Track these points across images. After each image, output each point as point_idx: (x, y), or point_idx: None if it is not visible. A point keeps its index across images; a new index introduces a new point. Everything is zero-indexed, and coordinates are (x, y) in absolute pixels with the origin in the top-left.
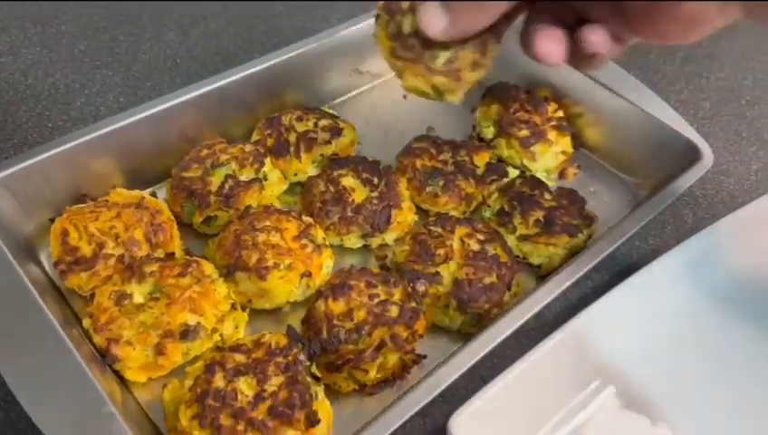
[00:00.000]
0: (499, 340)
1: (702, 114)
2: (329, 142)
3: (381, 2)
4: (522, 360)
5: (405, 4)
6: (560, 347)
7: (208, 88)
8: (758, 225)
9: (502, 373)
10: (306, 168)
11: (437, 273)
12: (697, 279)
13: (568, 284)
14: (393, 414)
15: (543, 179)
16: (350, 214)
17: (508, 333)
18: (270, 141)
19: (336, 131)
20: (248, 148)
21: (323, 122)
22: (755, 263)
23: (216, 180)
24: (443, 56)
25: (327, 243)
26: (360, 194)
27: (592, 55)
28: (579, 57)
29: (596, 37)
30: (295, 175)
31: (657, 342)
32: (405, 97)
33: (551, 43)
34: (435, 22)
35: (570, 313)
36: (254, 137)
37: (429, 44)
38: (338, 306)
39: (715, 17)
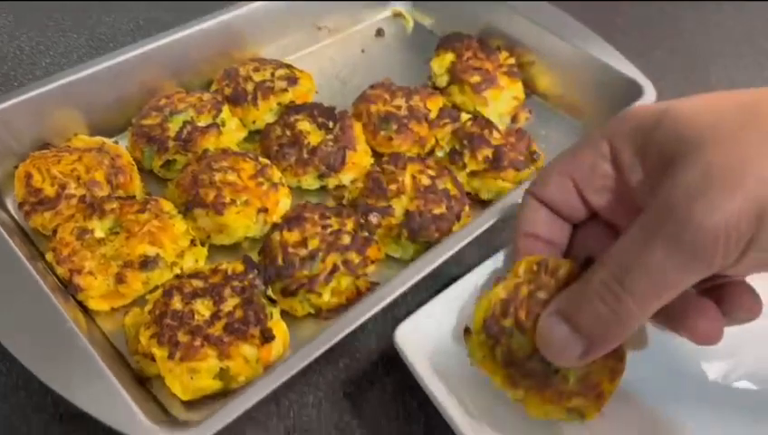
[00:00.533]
0: (440, 260)
1: (654, 62)
2: (285, 90)
3: (476, 331)
4: (463, 278)
5: (508, 322)
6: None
7: (166, 40)
8: None
9: (445, 290)
10: (264, 115)
11: (390, 206)
12: None
13: (508, 207)
14: (339, 326)
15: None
16: (305, 156)
17: (450, 253)
18: (228, 90)
19: (292, 80)
20: (206, 96)
21: (280, 72)
22: None
23: (174, 127)
24: (573, 374)
25: (283, 182)
26: (315, 137)
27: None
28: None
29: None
30: (254, 123)
31: None
32: (363, 51)
33: (708, 322)
34: (568, 353)
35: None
36: (213, 87)
37: (548, 364)
38: (293, 236)
39: None
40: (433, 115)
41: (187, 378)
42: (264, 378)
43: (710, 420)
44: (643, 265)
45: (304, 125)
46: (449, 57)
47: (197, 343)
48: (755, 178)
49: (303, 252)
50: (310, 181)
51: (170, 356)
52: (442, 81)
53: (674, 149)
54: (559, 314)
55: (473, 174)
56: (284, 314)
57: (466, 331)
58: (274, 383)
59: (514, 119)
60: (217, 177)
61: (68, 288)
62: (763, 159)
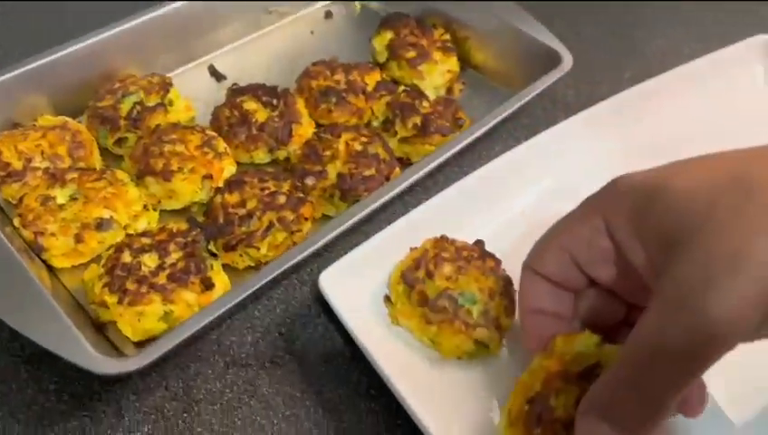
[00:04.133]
0: (363, 212)
1: (582, 36)
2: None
3: (395, 283)
4: (382, 231)
5: (421, 273)
6: (419, 218)
7: (123, 27)
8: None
9: (366, 241)
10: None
11: (324, 170)
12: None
13: (428, 168)
14: (267, 272)
15: (430, 95)
16: (255, 132)
17: (373, 206)
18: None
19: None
20: (155, 79)
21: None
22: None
23: (125, 107)
24: (476, 309)
25: (228, 152)
26: (261, 114)
27: None
28: None
29: None
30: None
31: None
32: (312, 33)
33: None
34: None
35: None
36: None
37: (455, 300)
38: (233, 198)
39: None
40: (370, 88)
41: (136, 320)
42: (197, 315)
43: None
44: (665, 360)
45: (250, 105)
46: (388, 35)
47: (144, 289)
48: (757, 262)
49: (242, 211)
50: (261, 156)
51: (120, 302)
52: (382, 57)
53: (673, 235)
54: (595, 414)
55: (403, 140)
56: (227, 268)
57: (386, 298)
58: (205, 319)
59: (449, 91)
60: (166, 148)
61: (33, 249)
62: (763, 238)
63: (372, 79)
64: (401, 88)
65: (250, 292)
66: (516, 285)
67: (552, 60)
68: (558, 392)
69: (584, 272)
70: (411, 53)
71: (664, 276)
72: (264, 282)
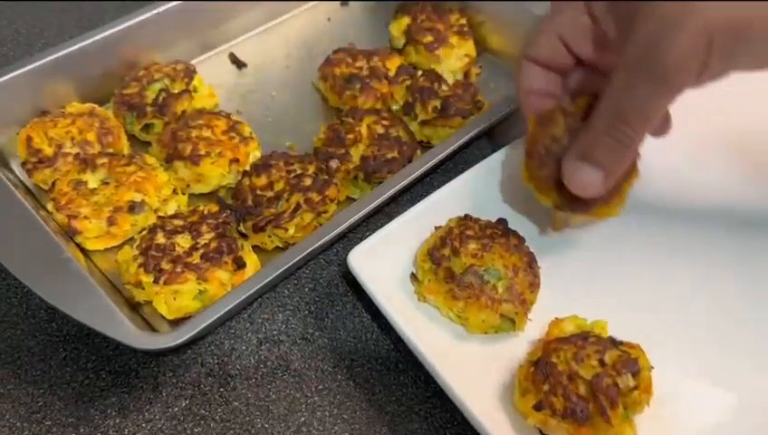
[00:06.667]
0: (387, 194)
1: None
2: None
3: (421, 261)
4: (409, 210)
5: (447, 251)
6: (442, 199)
7: (144, 17)
8: None
9: (392, 220)
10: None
11: (347, 152)
12: None
13: (450, 150)
14: (295, 252)
15: (448, 79)
16: None
17: (397, 187)
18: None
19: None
20: (179, 66)
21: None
22: None
23: (151, 94)
24: (501, 285)
25: (254, 136)
26: None
27: None
28: None
29: None
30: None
31: None
32: (329, 20)
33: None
34: (592, 185)
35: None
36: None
37: (481, 277)
38: (260, 181)
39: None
40: (392, 73)
41: (171, 299)
42: (231, 293)
43: None
44: (633, 102)
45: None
46: (405, 20)
47: (179, 269)
48: (695, 23)
49: (270, 193)
50: None
51: (155, 281)
52: (399, 42)
53: (636, 7)
54: (578, 158)
55: (424, 123)
56: (257, 249)
57: (413, 276)
58: (239, 297)
59: (467, 75)
60: (194, 133)
61: (67, 232)
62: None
63: (393, 64)
64: (420, 72)
65: (282, 270)
66: (540, 262)
67: None
68: (557, 351)
69: (571, 52)
70: (428, 38)
71: (627, 42)
72: (295, 260)
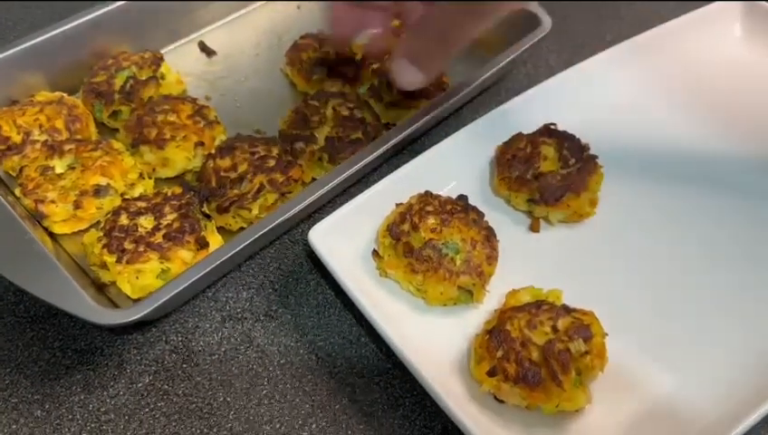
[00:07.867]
0: (347, 172)
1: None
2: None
3: (382, 237)
4: (367, 190)
5: (406, 226)
6: (405, 176)
7: (112, 6)
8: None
9: (355, 197)
10: None
11: (312, 135)
12: None
13: (412, 128)
14: (260, 225)
15: None
16: None
17: (356, 167)
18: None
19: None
20: (147, 55)
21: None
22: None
23: (118, 82)
24: (459, 258)
25: (219, 120)
26: None
27: None
28: None
29: None
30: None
31: None
32: (299, 8)
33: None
34: (413, 80)
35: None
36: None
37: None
38: (224, 162)
39: None
40: (358, 57)
41: (134, 278)
42: (192, 268)
43: None
44: (461, 27)
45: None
46: None
47: (141, 248)
48: None
49: (233, 174)
50: None
51: (119, 260)
52: None
53: None
54: (405, 58)
55: (390, 105)
56: (222, 230)
57: (374, 252)
58: (199, 272)
59: None
60: (159, 117)
61: (35, 216)
62: None
63: (360, 49)
64: (387, 56)
65: (243, 246)
66: (499, 237)
67: (532, 23)
68: (512, 319)
69: None
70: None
71: None
72: (256, 236)
